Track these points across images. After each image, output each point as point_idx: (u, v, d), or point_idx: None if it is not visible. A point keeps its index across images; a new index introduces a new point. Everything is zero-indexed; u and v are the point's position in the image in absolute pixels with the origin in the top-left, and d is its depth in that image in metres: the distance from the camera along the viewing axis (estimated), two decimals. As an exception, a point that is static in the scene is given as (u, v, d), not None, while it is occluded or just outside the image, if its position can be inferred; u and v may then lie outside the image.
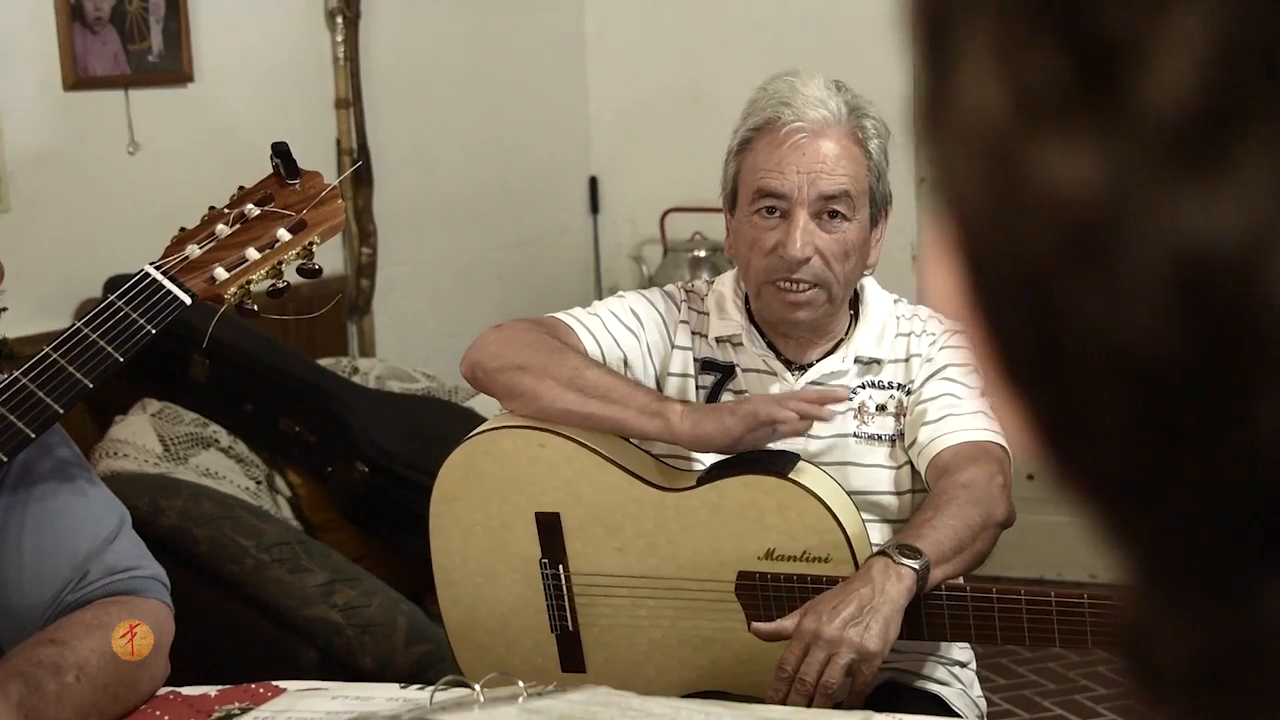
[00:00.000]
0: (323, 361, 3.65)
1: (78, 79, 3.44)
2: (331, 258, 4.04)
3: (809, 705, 1.84)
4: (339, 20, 4.04)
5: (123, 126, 3.56)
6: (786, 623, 1.88)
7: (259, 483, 3.41)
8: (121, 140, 3.56)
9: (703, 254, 4.55)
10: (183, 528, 3.05)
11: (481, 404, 3.58)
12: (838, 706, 1.85)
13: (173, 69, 3.64)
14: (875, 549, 1.95)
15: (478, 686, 1.48)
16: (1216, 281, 0.30)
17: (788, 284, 2.04)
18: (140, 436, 3.31)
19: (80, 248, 3.46)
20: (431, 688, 1.61)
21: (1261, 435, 0.31)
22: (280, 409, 3.44)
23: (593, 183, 4.89)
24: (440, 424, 3.42)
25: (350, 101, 4.07)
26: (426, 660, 2.94)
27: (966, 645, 2.18)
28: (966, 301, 0.37)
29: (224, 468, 3.36)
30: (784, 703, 1.84)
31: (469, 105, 4.46)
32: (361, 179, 4.05)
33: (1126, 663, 0.37)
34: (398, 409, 3.55)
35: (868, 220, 2.08)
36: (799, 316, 2.07)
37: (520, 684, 1.51)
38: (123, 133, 3.56)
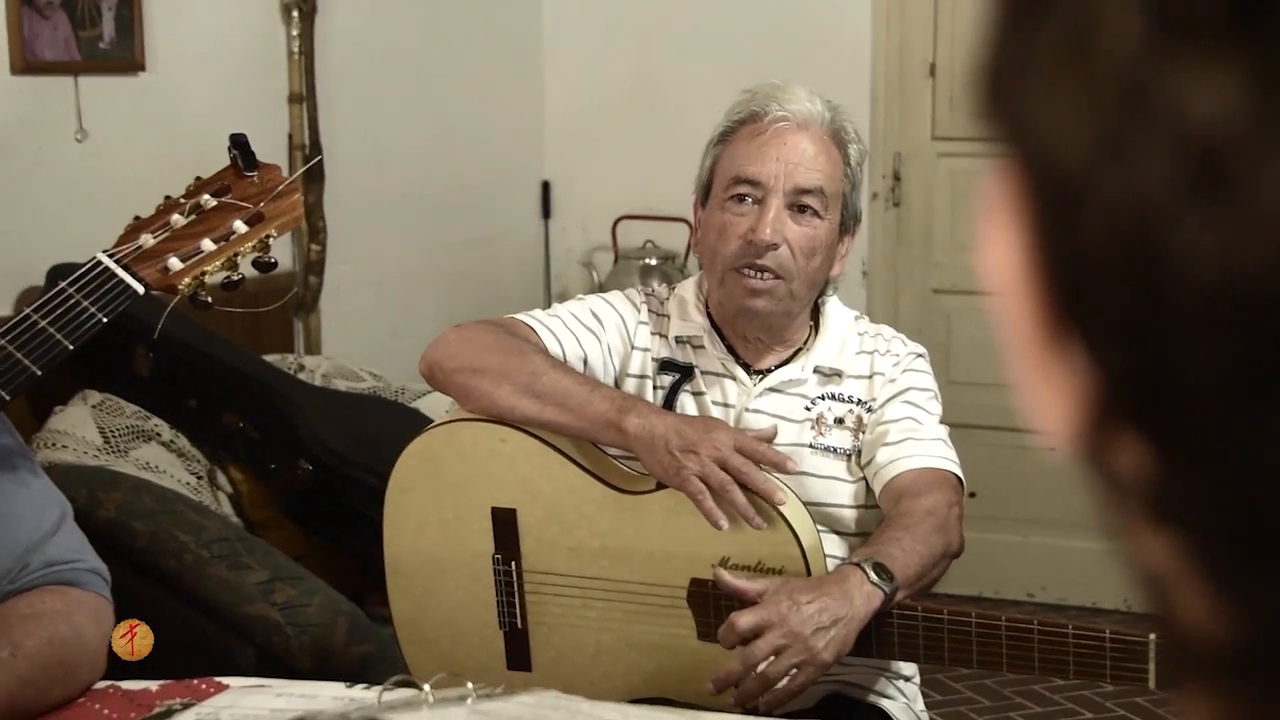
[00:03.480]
0: (269, 358, 3.62)
1: (26, 63, 3.40)
2: (281, 254, 4.00)
3: (758, 698, 1.84)
4: (294, 14, 4.01)
5: (71, 113, 3.52)
6: (754, 587, 1.86)
7: (200, 478, 3.37)
8: (69, 127, 3.52)
9: (654, 262, 4.55)
10: (122, 521, 3.01)
11: (428, 404, 3.56)
12: (787, 717, 1.85)
13: (124, 57, 3.60)
14: (846, 560, 1.94)
15: (427, 686, 1.46)
16: None
17: (752, 271, 2.04)
18: (80, 428, 3.27)
19: (23, 235, 3.42)
20: (379, 687, 1.59)
21: None
22: (224, 404, 3.41)
23: (545, 187, 4.88)
24: (386, 424, 3.40)
25: (304, 96, 4.04)
26: (366, 661, 2.91)
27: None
28: (1037, 255, 0.35)
29: (165, 462, 3.32)
30: (736, 686, 1.85)
31: (423, 104, 4.43)
32: (313, 175, 4.02)
33: (1168, 643, 0.36)
34: (343, 408, 3.52)
35: (838, 225, 2.09)
36: (758, 304, 2.06)
37: (469, 685, 1.50)
38: (71, 120, 3.52)
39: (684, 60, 4.61)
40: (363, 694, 1.66)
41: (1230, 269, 0.31)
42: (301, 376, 3.61)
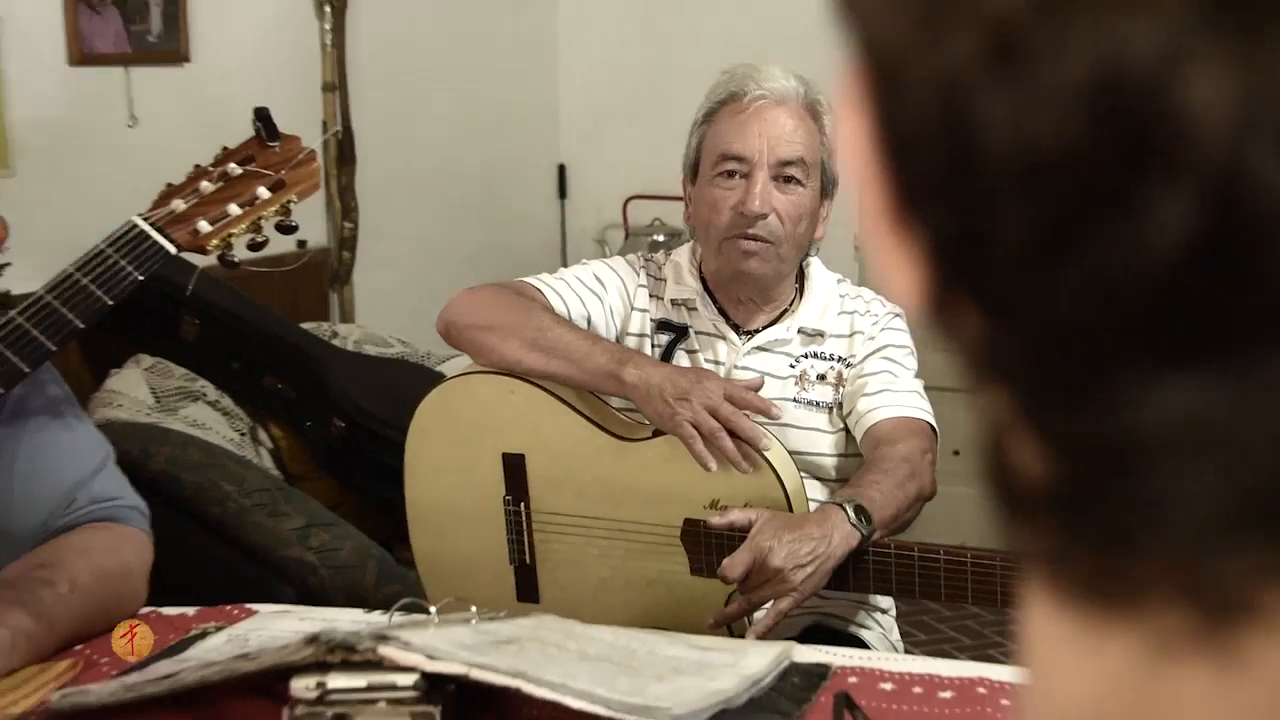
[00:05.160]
0: (305, 326, 3.63)
1: (82, 56, 3.41)
2: (316, 230, 4.02)
3: (737, 619, 1.89)
4: (327, 9, 4.01)
5: (123, 101, 3.53)
6: (742, 517, 1.88)
7: (243, 434, 3.39)
8: (121, 114, 3.53)
9: (661, 238, 4.54)
10: (171, 473, 3.03)
11: (451, 367, 3.56)
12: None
13: (171, 49, 3.61)
14: (826, 501, 1.94)
15: (433, 609, 1.47)
16: (1127, 92, 0.30)
17: (745, 239, 2.04)
18: (133, 389, 3.29)
19: (79, 212, 3.42)
20: (390, 611, 1.60)
21: (1149, 236, 0.31)
22: (265, 367, 3.42)
23: (561, 170, 4.87)
24: (412, 385, 3.39)
25: (336, 85, 4.04)
26: (394, 599, 2.90)
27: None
28: (875, 135, 0.36)
29: (211, 419, 3.34)
30: (727, 603, 1.89)
31: (447, 93, 4.43)
32: (345, 158, 4.02)
33: (988, 482, 0.37)
34: (373, 370, 3.53)
35: (818, 191, 2.09)
36: (752, 266, 2.06)
37: (473, 608, 1.51)
38: (122, 107, 3.53)
39: (689, 52, 4.59)
40: (378, 618, 1.68)
41: (1024, 136, 0.32)
42: (335, 342, 3.62)
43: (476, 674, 1.30)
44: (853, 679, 1.46)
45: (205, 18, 3.69)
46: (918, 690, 1.42)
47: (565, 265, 4.79)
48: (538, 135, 4.83)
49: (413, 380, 3.50)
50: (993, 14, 0.31)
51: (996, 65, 0.32)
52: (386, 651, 1.32)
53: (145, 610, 1.76)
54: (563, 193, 4.88)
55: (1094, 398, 0.32)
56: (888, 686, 1.44)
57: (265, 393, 3.42)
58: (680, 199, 4.60)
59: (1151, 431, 0.32)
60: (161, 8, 3.57)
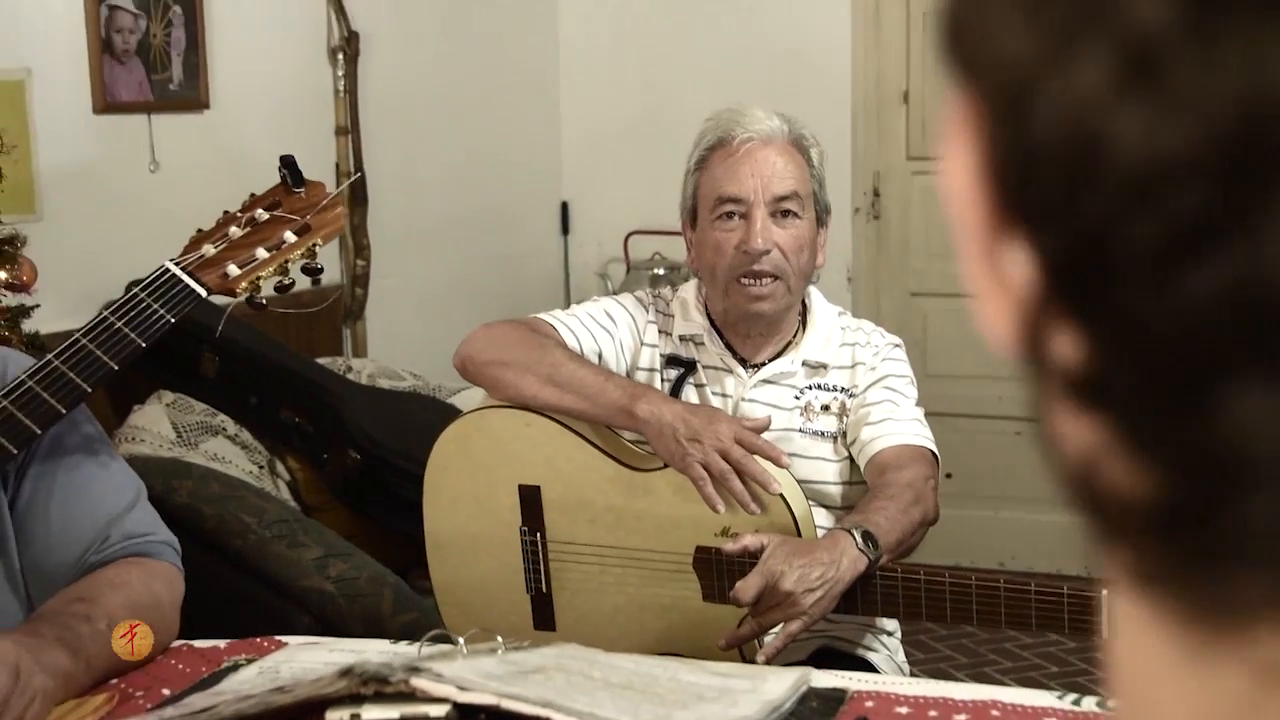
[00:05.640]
0: (320, 360, 3.62)
1: (106, 104, 3.41)
2: (330, 268, 4.02)
3: (748, 641, 1.88)
4: (340, 57, 4.02)
5: (145, 147, 3.53)
6: (755, 541, 1.87)
7: (261, 467, 3.38)
8: (144, 159, 3.54)
9: (662, 272, 4.55)
10: (193, 505, 3.02)
11: (462, 400, 3.56)
12: (783, 667, 1.85)
13: (191, 96, 3.61)
14: (834, 527, 1.94)
15: (461, 640, 1.47)
16: (1269, 113, 0.30)
17: (751, 279, 2.05)
18: (156, 424, 3.28)
19: (105, 254, 3.43)
20: (419, 642, 1.59)
21: (1263, 251, 0.31)
22: (282, 401, 3.41)
23: (564, 207, 4.88)
24: (425, 417, 3.40)
25: (349, 129, 4.05)
26: (411, 628, 2.91)
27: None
28: (989, 160, 0.36)
29: (230, 453, 3.33)
30: (738, 628, 1.88)
31: (454, 135, 4.44)
32: (357, 198, 4.03)
33: (1082, 508, 0.36)
34: (387, 404, 3.53)
35: (814, 221, 2.09)
36: (763, 308, 2.07)
37: (499, 639, 1.50)
38: (145, 152, 3.54)
39: (686, 91, 4.61)
40: (406, 649, 1.67)
41: (1156, 147, 0.32)
42: (349, 377, 3.62)
43: (507, 704, 1.29)
44: (869, 703, 1.45)
45: (224, 66, 3.69)
46: (933, 714, 1.42)
47: (569, 299, 4.84)
48: (541, 174, 4.84)
49: (426, 412, 3.50)
50: (1133, 33, 0.32)
51: (1132, 84, 0.32)
52: (419, 683, 1.31)
53: (178, 643, 1.75)
54: (565, 229, 4.88)
55: (1206, 412, 0.32)
56: (903, 710, 1.43)
57: (283, 426, 3.42)
58: (678, 233, 4.63)
59: (1265, 446, 0.31)
60: (183, 57, 3.57)
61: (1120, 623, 0.37)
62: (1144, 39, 0.32)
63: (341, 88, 4.04)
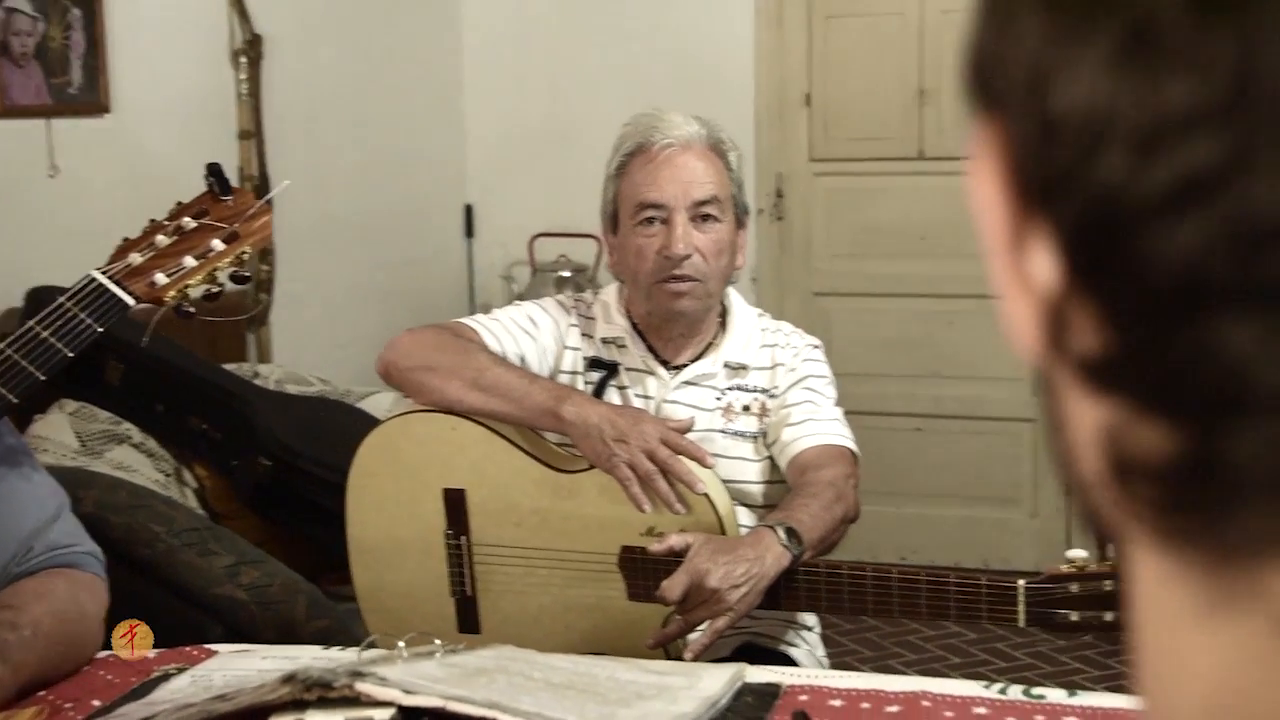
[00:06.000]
0: (226, 367, 3.59)
1: (4, 108, 3.36)
2: (234, 273, 3.99)
3: (675, 639, 1.91)
4: (243, 60, 3.99)
5: (44, 152, 3.48)
6: (679, 541, 1.89)
7: (168, 475, 3.34)
8: (43, 165, 3.48)
9: (567, 274, 4.57)
10: (99, 515, 2.97)
11: (371, 404, 3.55)
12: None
13: (91, 100, 3.57)
14: (759, 524, 1.97)
15: (401, 643, 1.48)
16: (1257, 75, 0.35)
17: (672, 283, 2.08)
18: (58, 433, 3.23)
19: (3, 262, 3.37)
20: (357, 648, 1.60)
21: (1254, 191, 0.35)
22: (189, 409, 3.38)
23: (468, 210, 4.88)
24: (336, 422, 3.39)
25: (252, 133, 4.02)
26: (325, 634, 2.90)
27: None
28: (1008, 181, 0.40)
29: (136, 462, 3.29)
30: (664, 626, 1.91)
31: (358, 138, 4.42)
32: (262, 203, 4.00)
33: (1105, 477, 0.39)
34: (296, 409, 3.50)
35: (733, 223, 2.13)
36: (684, 305, 2.10)
37: (437, 642, 1.52)
38: (44, 158, 3.48)
39: (590, 93, 4.63)
40: (341, 655, 1.67)
41: (1157, 107, 0.36)
42: (257, 382, 3.59)
43: (453, 706, 1.31)
44: (803, 697, 1.49)
45: (125, 69, 3.65)
46: (866, 706, 1.46)
47: (473, 302, 4.84)
48: (444, 176, 4.83)
49: (336, 417, 3.48)
50: (1139, 12, 0.36)
51: (1140, 53, 0.36)
52: (364, 687, 1.32)
53: (105, 653, 1.74)
54: (469, 232, 4.88)
55: (1208, 351, 0.36)
56: (837, 703, 1.47)
57: (191, 434, 3.38)
58: (585, 236, 4.64)
59: (1260, 373, 0.35)
60: (82, 61, 3.52)
61: (1141, 585, 0.40)
62: (1148, 15, 0.36)
63: (245, 91, 4.00)
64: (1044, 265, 0.39)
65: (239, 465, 3.33)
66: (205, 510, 3.34)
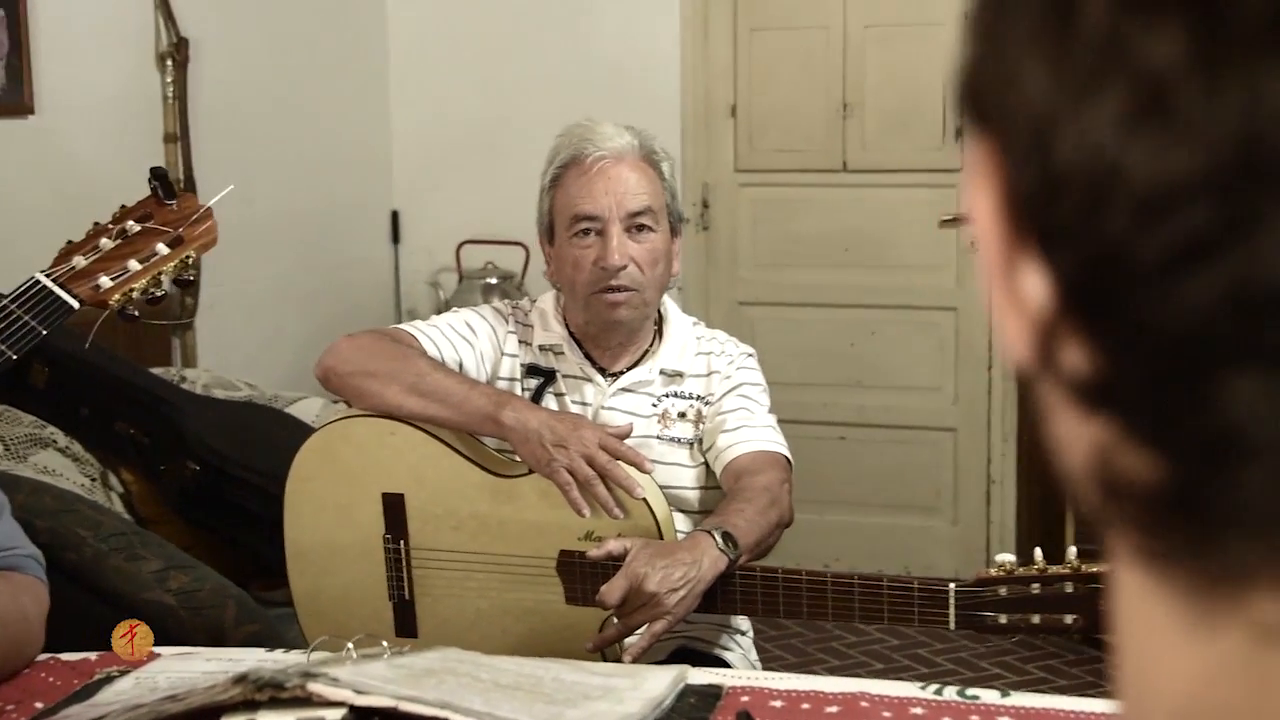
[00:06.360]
0: (153, 370, 3.57)
1: (-75, 107, 3.32)
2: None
3: (613, 643, 1.94)
4: (169, 63, 3.97)
5: (-34, 152, 3.44)
6: (617, 546, 1.92)
7: (94, 480, 3.32)
8: (-35, 165, 3.44)
9: (494, 281, 4.58)
10: (25, 519, 2.90)
11: (300, 409, 3.55)
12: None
13: (14, 102, 3.53)
14: (696, 529, 2.01)
15: (350, 644, 1.50)
16: (1267, 137, 0.36)
17: (609, 292, 2.11)
18: (-20, 438, 3.20)
19: (-75, 262, 3.33)
20: (305, 650, 1.61)
21: (1258, 257, 0.36)
22: (115, 413, 3.36)
23: (394, 216, 4.88)
24: (265, 427, 3.39)
25: (178, 136, 4.00)
26: (255, 640, 2.89)
27: (746, 618, 2.27)
28: (1007, 194, 0.41)
29: (61, 466, 3.26)
30: (602, 630, 1.95)
31: (284, 142, 4.41)
32: (188, 206, 3.97)
33: (1093, 492, 0.41)
34: (224, 413, 3.49)
35: (668, 232, 2.17)
36: (621, 315, 2.13)
37: (384, 643, 1.54)
38: (-34, 158, 3.45)
39: (518, 100, 4.65)
40: (285, 657, 1.68)
41: (1165, 172, 0.37)
42: (184, 386, 3.57)
43: (406, 706, 1.33)
44: (745, 698, 1.53)
45: (49, 71, 3.62)
46: (806, 706, 1.50)
47: (399, 308, 4.83)
48: (371, 181, 4.83)
49: (265, 422, 3.47)
50: (1147, 73, 0.37)
51: (1147, 116, 0.37)
52: (315, 688, 1.34)
53: (45, 656, 1.74)
54: (396, 238, 4.88)
55: (1207, 401, 0.37)
56: (778, 704, 1.51)
57: (117, 438, 3.36)
58: (512, 243, 4.66)
59: (1257, 433, 0.37)
60: (5, 61, 3.49)
61: (1125, 599, 0.42)
62: (1156, 77, 0.37)
63: (171, 94, 3.98)
64: (1037, 288, 0.41)
65: (167, 470, 3.31)
66: (132, 515, 3.32)
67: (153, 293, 1.76)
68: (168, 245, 1.75)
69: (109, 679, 1.65)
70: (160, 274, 1.75)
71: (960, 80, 0.43)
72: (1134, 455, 0.39)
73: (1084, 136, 0.38)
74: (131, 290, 1.73)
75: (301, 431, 3.00)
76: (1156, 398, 0.38)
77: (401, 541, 2.12)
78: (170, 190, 1.78)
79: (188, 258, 1.76)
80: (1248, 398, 0.37)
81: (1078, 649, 3.96)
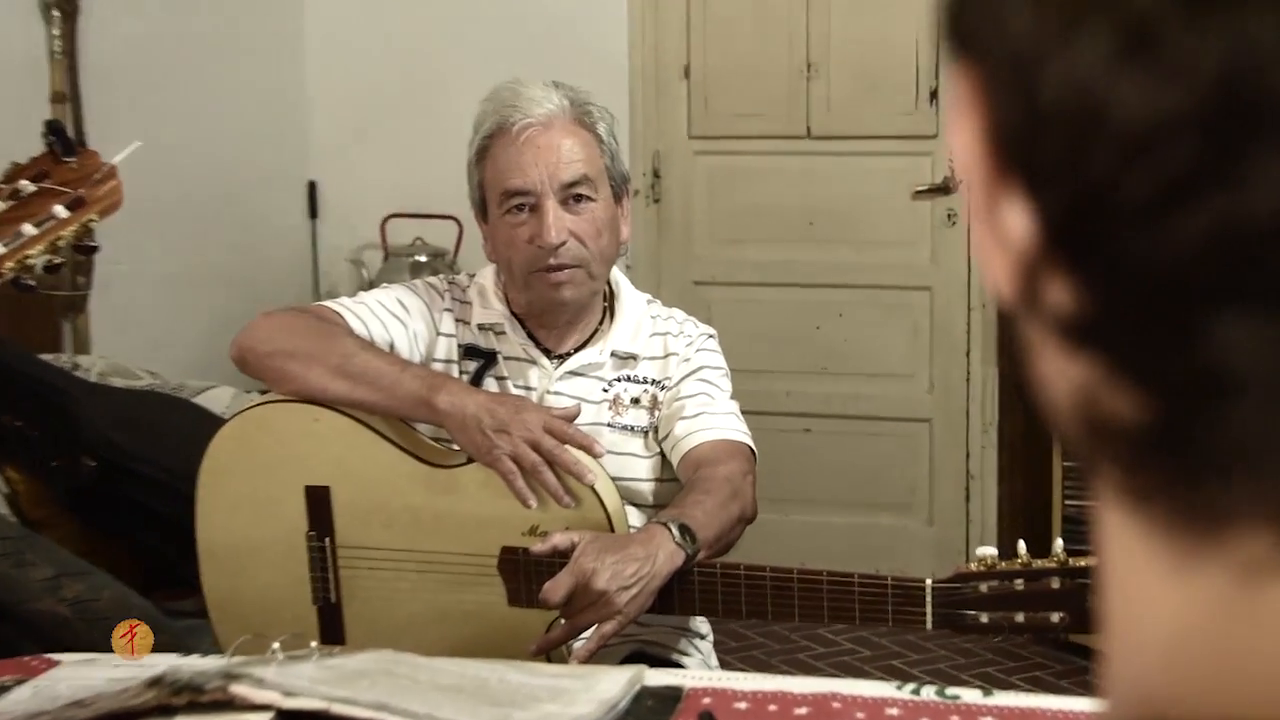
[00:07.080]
0: (40, 357, 3.55)
1: None
2: (49, 253, 3.94)
3: (559, 645, 1.96)
4: (55, 14, 3.95)
5: None
6: (563, 540, 1.94)
7: (-27, 479, 3.30)
8: None
9: (424, 259, 4.59)
10: (-101, 524, 2.94)
11: (208, 399, 3.55)
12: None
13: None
14: (651, 521, 2.02)
15: (276, 644, 1.51)
16: (1250, 76, 0.39)
17: (550, 271, 2.12)
18: None
19: None
20: (231, 648, 1.63)
21: (1258, 194, 0.39)
22: (-1, 405, 3.34)
23: (311, 187, 4.87)
24: (169, 419, 3.38)
25: (68, 96, 3.98)
26: (159, 652, 2.90)
27: (706, 620, 2.29)
28: (992, 129, 0.45)
29: (-64, 464, 3.25)
30: (548, 630, 1.97)
31: (189, 106, 4.39)
32: (81, 174, 3.95)
33: (1077, 431, 0.45)
34: (124, 404, 3.48)
35: (611, 197, 2.18)
36: (565, 295, 2.14)
37: (314, 644, 1.55)
38: None
39: (450, 62, 4.65)
40: (201, 660, 1.70)
41: (1151, 109, 0.40)
42: (77, 374, 3.56)
43: (338, 709, 1.34)
44: (707, 700, 1.55)
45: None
46: (773, 708, 1.52)
47: (317, 288, 4.83)
48: (285, 150, 4.82)
49: (169, 413, 3.47)
50: (1131, 10, 0.40)
51: (1132, 54, 0.40)
52: (239, 690, 1.36)
53: (-68, 665, 1.74)
54: (313, 212, 4.88)
55: (1194, 340, 0.41)
56: (742, 705, 1.54)
57: (1, 431, 3.34)
58: (443, 217, 4.66)
59: (1242, 371, 0.40)
60: (-124, 10, 3.46)
61: (1110, 540, 0.46)
62: (1141, 14, 0.40)
63: (58, 49, 3.96)
64: (1021, 224, 0.44)
65: (58, 466, 3.30)
66: (18, 517, 3.31)
67: (50, 260, 1.76)
68: (67, 208, 1.75)
69: (3, 689, 1.66)
70: (59, 239, 1.75)
71: (945, 12, 0.46)
72: (1118, 393, 0.43)
73: (1070, 73, 0.42)
74: (27, 258, 1.72)
75: (210, 423, 2.99)
76: (1142, 335, 0.42)
77: (327, 539, 2.13)
78: (69, 147, 1.78)
79: (90, 220, 1.76)
80: (1232, 335, 0.40)
81: (1065, 658, 4.02)
